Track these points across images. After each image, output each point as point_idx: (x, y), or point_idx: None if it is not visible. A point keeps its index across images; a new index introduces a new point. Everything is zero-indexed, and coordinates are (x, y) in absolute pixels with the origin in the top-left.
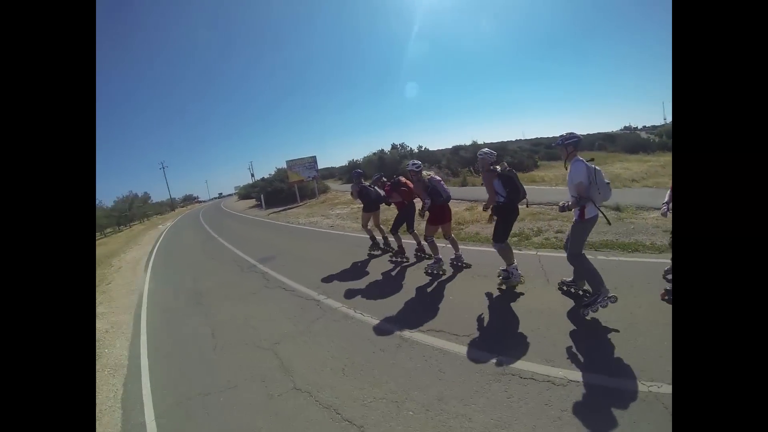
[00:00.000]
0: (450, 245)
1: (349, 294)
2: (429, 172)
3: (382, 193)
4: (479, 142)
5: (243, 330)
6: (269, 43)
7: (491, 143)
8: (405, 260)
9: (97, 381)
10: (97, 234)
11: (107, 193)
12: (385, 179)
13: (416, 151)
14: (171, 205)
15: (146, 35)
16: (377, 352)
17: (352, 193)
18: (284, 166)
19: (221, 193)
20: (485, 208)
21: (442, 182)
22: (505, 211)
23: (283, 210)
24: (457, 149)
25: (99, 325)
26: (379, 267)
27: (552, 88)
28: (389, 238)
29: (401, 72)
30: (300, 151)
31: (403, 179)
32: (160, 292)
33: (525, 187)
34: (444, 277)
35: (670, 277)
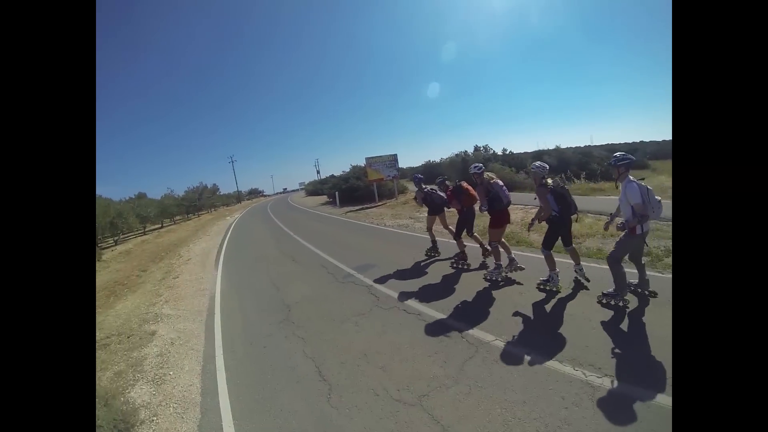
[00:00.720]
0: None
1: (496, 321)
2: (491, 174)
3: (444, 197)
4: (562, 147)
5: (365, 370)
6: (339, 40)
7: (574, 148)
8: (468, 266)
9: (158, 421)
10: (167, 221)
11: (179, 182)
12: (449, 183)
13: (500, 154)
14: (238, 198)
15: (216, 34)
16: (571, 408)
17: (415, 198)
18: (358, 163)
19: (285, 189)
20: (540, 221)
21: (504, 188)
22: (557, 223)
23: (361, 209)
24: (540, 154)
25: (163, 331)
26: (511, 288)
27: (619, 91)
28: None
29: (480, 71)
30: (368, 150)
31: (464, 185)
32: (235, 297)
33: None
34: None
35: None
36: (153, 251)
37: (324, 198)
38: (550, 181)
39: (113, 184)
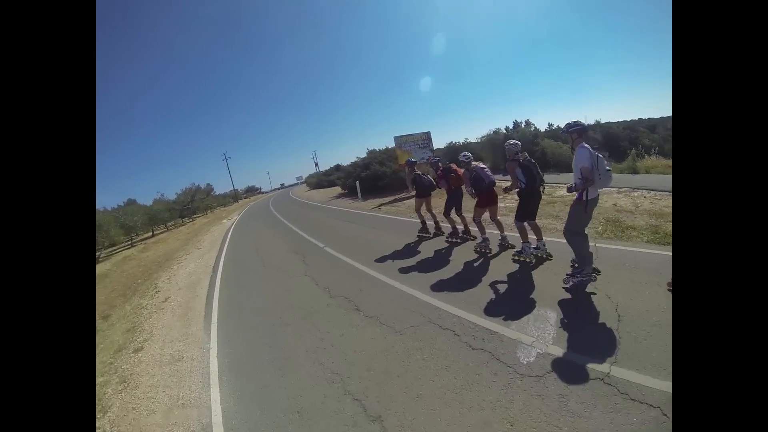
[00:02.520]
0: (496, 227)
1: None
2: (477, 163)
3: (433, 181)
4: (602, 122)
5: None
6: (331, 28)
7: (617, 122)
8: (459, 241)
9: None
10: (159, 227)
11: (172, 185)
12: (441, 165)
13: (544, 130)
14: (234, 197)
15: (205, 35)
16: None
17: (407, 182)
18: (374, 147)
19: (283, 184)
20: (506, 191)
21: (486, 170)
22: (525, 195)
23: (394, 200)
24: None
25: None
26: None
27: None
28: (441, 223)
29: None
30: (373, 138)
31: (453, 166)
32: None
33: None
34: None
35: None
36: (132, 274)
37: (335, 190)
38: (520, 156)
39: (102, 192)
